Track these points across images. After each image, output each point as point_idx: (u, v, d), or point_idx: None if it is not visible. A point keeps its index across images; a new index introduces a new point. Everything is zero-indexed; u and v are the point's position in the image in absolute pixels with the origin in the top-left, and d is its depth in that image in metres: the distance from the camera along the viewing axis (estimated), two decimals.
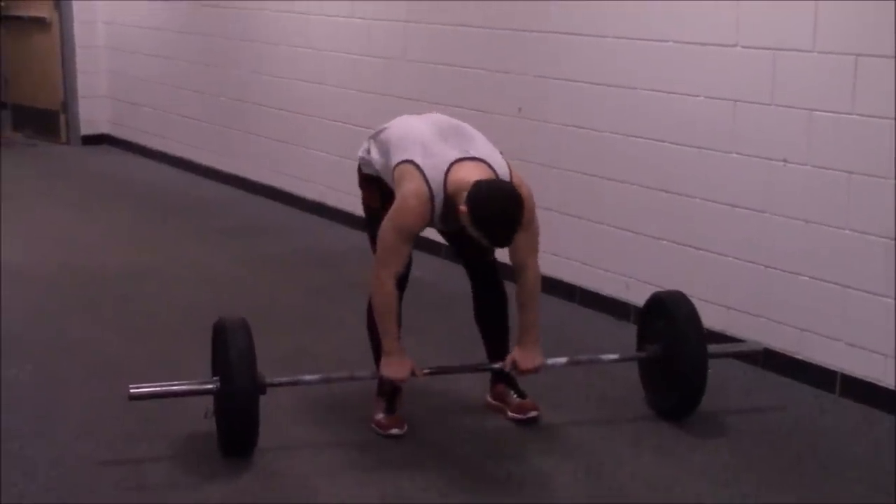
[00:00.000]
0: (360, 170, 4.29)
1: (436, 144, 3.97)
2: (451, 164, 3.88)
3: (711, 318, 4.92)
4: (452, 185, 3.85)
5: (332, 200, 7.56)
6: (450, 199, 3.87)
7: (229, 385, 3.87)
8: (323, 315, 5.67)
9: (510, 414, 4.34)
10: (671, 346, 4.28)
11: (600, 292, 5.61)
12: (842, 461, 4.05)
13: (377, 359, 4.22)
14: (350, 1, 7.15)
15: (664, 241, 5.25)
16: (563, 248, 5.61)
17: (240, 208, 8.12)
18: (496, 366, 4.27)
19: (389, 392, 4.24)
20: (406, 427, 4.20)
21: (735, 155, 4.85)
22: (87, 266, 6.53)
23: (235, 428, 3.92)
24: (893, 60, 4.20)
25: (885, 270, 4.34)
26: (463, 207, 3.76)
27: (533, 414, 4.30)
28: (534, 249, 4.08)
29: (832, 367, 4.59)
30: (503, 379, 4.39)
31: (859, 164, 4.38)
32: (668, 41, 5.07)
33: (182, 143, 9.42)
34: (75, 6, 10.29)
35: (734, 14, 4.76)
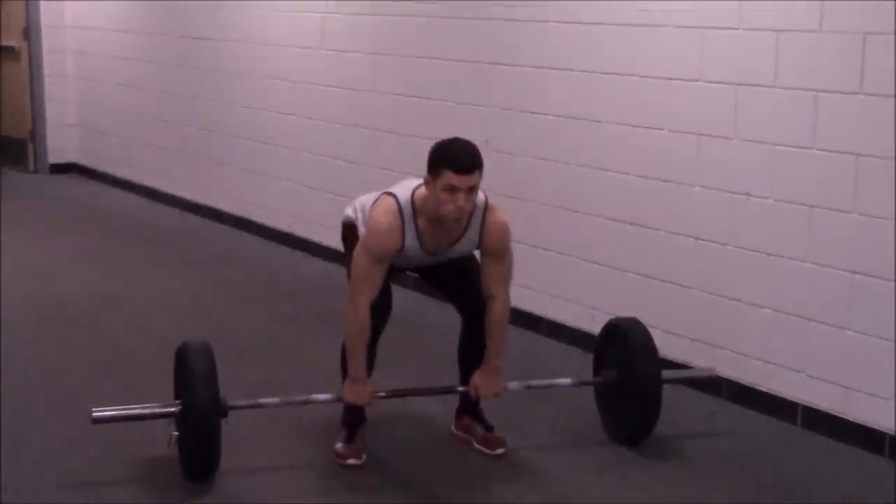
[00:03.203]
0: (343, 225, 4.29)
1: (407, 181, 4.10)
2: (420, 185, 3.98)
3: (675, 350, 4.98)
4: (419, 198, 3.95)
5: (299, 231, 7.57)
6: (418, 213, 3.95)
7: (191, 407, 3.89)
8: (289, 345, 5.67)
9: (476, 446, 4.35)
10: (626, 372, 4.33)
11: (566, 323, 5.64)
12: (803, 492, 4.08)
13: None
14: (320, 32, 7.19)
15: (629, 273, 5.29)
16: (529, 279, 5.64)
17: (208, 238, 8.12)
18: (460, 389, 4.29)
19: (351, 422, 4.26)
20: (364, 457, 4.20)
21: (698, 188, 4.91)
22: (54, 295, 6.51)
23: (198, 450, 3.93)
24: (853, 97, 4.27)
25: (846, 303, 4.40)
26: (427, 177, 3.87)
27: (500, 451, 4.31)
28: (506, 280, 4.13)
29: (794, 399, 4.63)
30: (469, 411, 4.41)
31: (821, 198, 4.44)
32: (633, 75, 5.13)
33: (150, 173, 9.42)
34: (44, 35, 10.30)
35: (697, 49, 4.83)
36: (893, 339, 4.25)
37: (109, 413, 4.02)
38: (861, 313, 4.36)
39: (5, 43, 10.53)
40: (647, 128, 5.10)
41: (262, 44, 7.78)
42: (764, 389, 4.75)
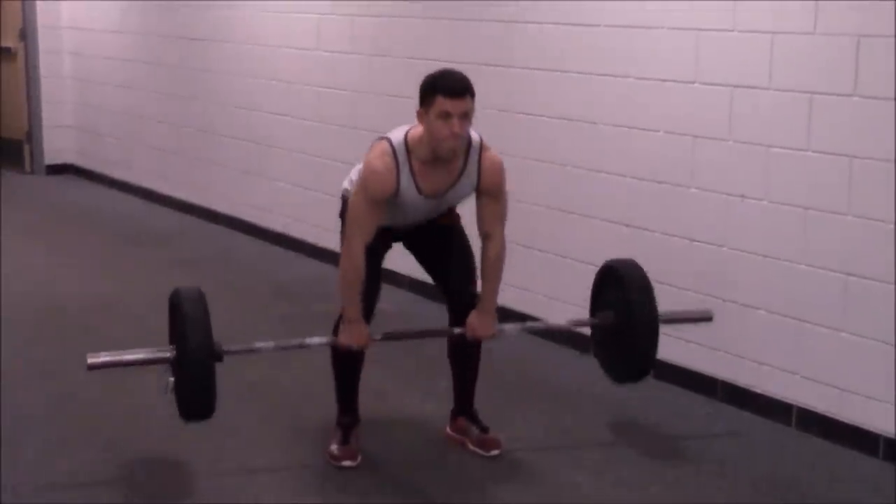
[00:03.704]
0: (343, 200, 4.28)
1: (399, 128, 4.12)
2: (413, 127, 4.01)
3: (670, 351, 4.98)
4: (413, 138, 3.97)
5: (295, 232, 7.58)
6: (413, 154, 3.96)
7: (185, 352, 3.86)
8: None
9: (471, 447, 4.35)
10: (623, 312, 4.31)
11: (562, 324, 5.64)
12: (798, 494, 4.09)
13: (340, 398, 4.30)
14: (316, 34, 7.20)
15: None
16: (525, 280, 5.65)
17: (204, 239, 8.12)
18: (456, 330, 4.24)
19: (346, 424, 4.27)
20: (359, 458, 4.21)
21: (694, 190, 4.92)
22: (50, 295, 6.51)
23: (193, 395, 3.89)
24: (848, 99, 4.28)
25: (841, 305, 4.41)
26: (419, 110, 3.92)
27: (495, 452, 4.32)
28: (501, 219, 4.15)
29: (788, 400, 4.64)
30: (464, 412, 4.42)
31: (815, 199, 4.45)
32: (628, 77, 5.14)
33: (146, 174, 9.43)
34: (41, 36, 10.30)
35: (693, 51, 4.84)
36: (888, 341, 4.26)
37: (104, 359, 3.99)
38: (856, 315, 4.37)
39: (2, 44, 10.53)
40: (643, 129, 5.11)
41: (257, 45, 7.79)
42: (759, 391, 4.76)
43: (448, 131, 3.86)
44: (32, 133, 10.52)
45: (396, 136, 4.01)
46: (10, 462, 4.20)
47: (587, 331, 5.31)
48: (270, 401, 4.84)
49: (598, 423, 4.62)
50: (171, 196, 9.03)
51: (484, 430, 4.38)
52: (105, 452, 4.28)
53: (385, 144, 3.99)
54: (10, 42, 10.45)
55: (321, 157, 7.24)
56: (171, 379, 3.97)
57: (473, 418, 4.40)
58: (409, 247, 4.34)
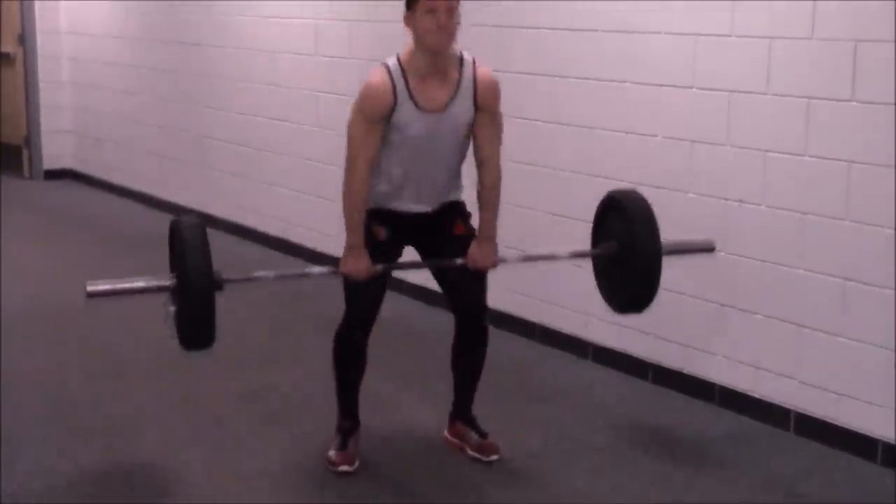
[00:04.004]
0: None
1: None
2: (404, 50, 4.04)
3: (668, 356, 4.98)
4: (406, 57, 4.01)
5: (294, 237, 7.58)
6: (408, 71, 3.99)
7: (186, 281, 3.82)
8: (286, 352, 5.68)
9: (469, 452, 4.35)
10: (626, 241, 4.25)
11: (561, 330, 5.65)
12: (796, 499, 4.09)
13: (341, 403, 4.30)
14: (314, 38, 7.21)
15: None
16: (523, 285, 5.65)
17: None
18: (458, 261, 4.16)
19: (346, 428, 4.27)
20: (357, 464, 4.20)
21: (692, 195, 4.92)
22: (49, 301, 6.51)
23: (193, 323, 3.86)
24: (845, 104, 4.29)
25: (839, 309, 4.41)
26: (406, 15, 3.95)
27: (494, 457, 4.31)
28: (497, 141, 4.19)
29: (786, 405, 4.64)
30: (462, 417, 4.42)
31: (813, 204, 4.45)
32: (626, 82, 5.15)
33: (145, 179, 9.43)
34: (40, 42, 10.32)
35: (691, 56, 4.84)
36: (887, 345, 4.27)
37: (103, 287, 3.97)
38: (854, 320, 4.37)
39: (1, 49, 10.54)
40: (641, 134, 5.11)
41: (256, 50, 7.80)
42: (757, 395, 4.76)
43: (434, 24, 3.90)
44: (31, 138, 10.52)
45: (390, 59, 4.05)
46: (9, 463, 4.20)
47: (586, 335, 5.31)
48: (270, 406, 4.84)
49: (597, 427, 4.62)
50: (169, 201, 9.03)
51: (483, 435, 4.37)
52: (104, 455, 4.28)
53: (380, 67, 4.03)
54: (8, 47, 10.46)
55: (320, 161, 7.25)
56: (172, 308, 3.94)
57: (472, 423, 4.40)
58: (423, 254, 4.31)
